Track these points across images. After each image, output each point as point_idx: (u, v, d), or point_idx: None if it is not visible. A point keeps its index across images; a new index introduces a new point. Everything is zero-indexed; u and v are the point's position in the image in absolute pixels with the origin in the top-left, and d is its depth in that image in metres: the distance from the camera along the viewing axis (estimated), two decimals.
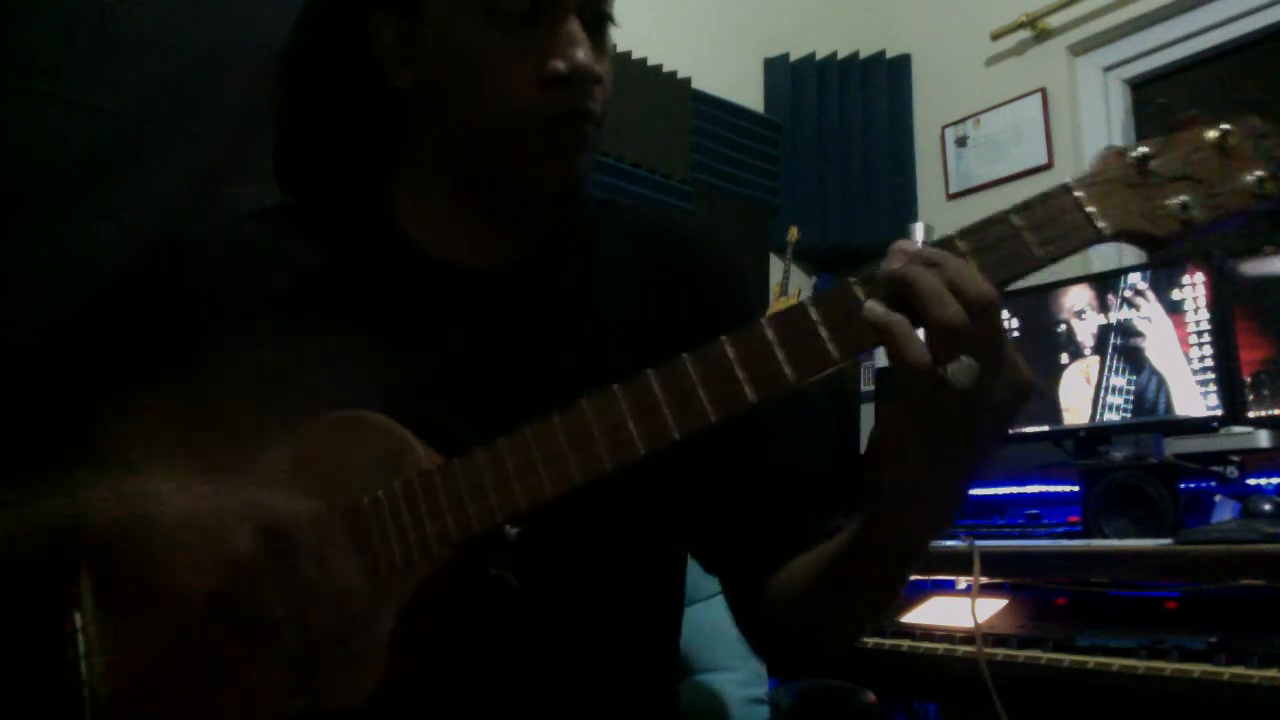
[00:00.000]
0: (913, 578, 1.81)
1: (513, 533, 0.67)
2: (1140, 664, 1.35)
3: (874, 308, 0.60)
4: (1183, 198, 0.59)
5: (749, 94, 2.96)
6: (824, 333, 0.61)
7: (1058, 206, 0.61)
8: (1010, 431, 0.62)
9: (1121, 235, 0.60)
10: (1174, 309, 1.86)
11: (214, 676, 0.67)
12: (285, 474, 0.70)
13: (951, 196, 2.80)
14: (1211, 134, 0.60)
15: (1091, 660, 1.40)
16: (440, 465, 0.67)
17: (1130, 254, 2.17)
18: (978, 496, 2.24)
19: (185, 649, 0.68)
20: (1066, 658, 1.42)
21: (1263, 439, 1.72)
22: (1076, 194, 0.60)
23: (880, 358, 1.57)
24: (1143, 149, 0.61)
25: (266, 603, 0.65)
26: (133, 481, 0.68)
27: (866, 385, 2.41)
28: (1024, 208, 0.61)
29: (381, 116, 0.82)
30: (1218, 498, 1.79)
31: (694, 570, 0.93)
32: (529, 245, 0.85)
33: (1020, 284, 0.64)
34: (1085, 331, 1.99)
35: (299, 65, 0.85)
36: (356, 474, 0.68)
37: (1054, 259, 0.60)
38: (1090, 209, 0.60)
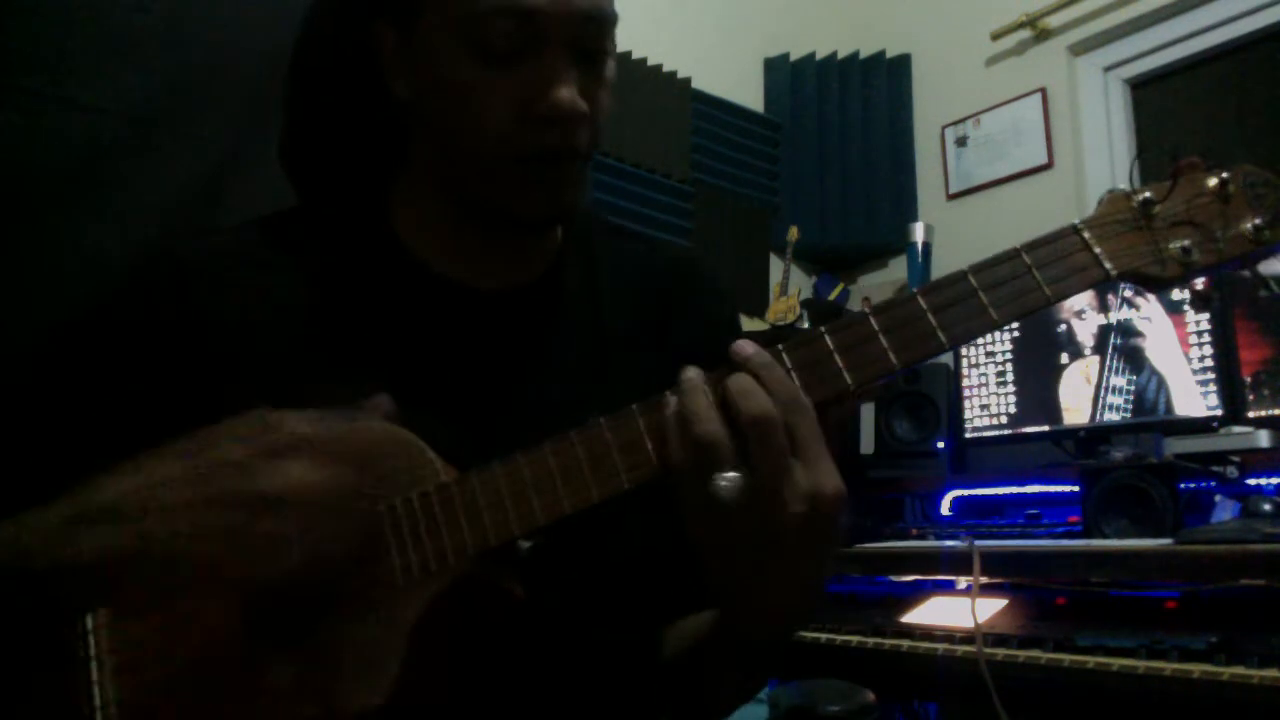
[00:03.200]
0: (910, 578, 1.82)
1: (525, 547, 0.67)
2: (1140, 664, 1.35)
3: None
4: (1184, 242, 0.62)
5: (749, 94, 2.97)
6: (840, 360, 0.64)
7: (1067, 246, 0.63)
8: (833, 541, 0.64)
9: (1127, 276, 0.62)
10: (1174, 309, 1.86)
11: (225, 681, 0.67)
12: (301, 481, 0.70)
13: (951, 196, 2.81)
14: (1211, 182, 0.63)
15: (1091, 660, 1.40)
16: (457, 478, 0.67)
17: None
18: (978, 497, 2.24)
19: (197, 652, 0.68)
20: (1066, 658, 1.42)
21: (1263, 439, 1.72)
22: (1085, 235, 0.62)
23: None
24: (1147, 194, 0.63)
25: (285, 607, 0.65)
26: (146, 482, 0.68)
27: None
28: (1034, 245, 0.63)
29: (384, 122, 0.82)
30: (1218, 498, 1.79)
31: None
32: (532, 266, 0.85)
33: None
34: (1085, 331, 1.99)
35: (306, 63, 0.85)
36: (374, 484, 0.68)
37: (1062, 297, 0.62)
38: (1098, 249, 0.62)
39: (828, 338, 0.63)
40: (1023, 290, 0.62)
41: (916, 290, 0.63)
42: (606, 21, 0.75)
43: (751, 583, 0.65)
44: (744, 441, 0.60)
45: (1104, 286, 1.94)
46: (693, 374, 0.63)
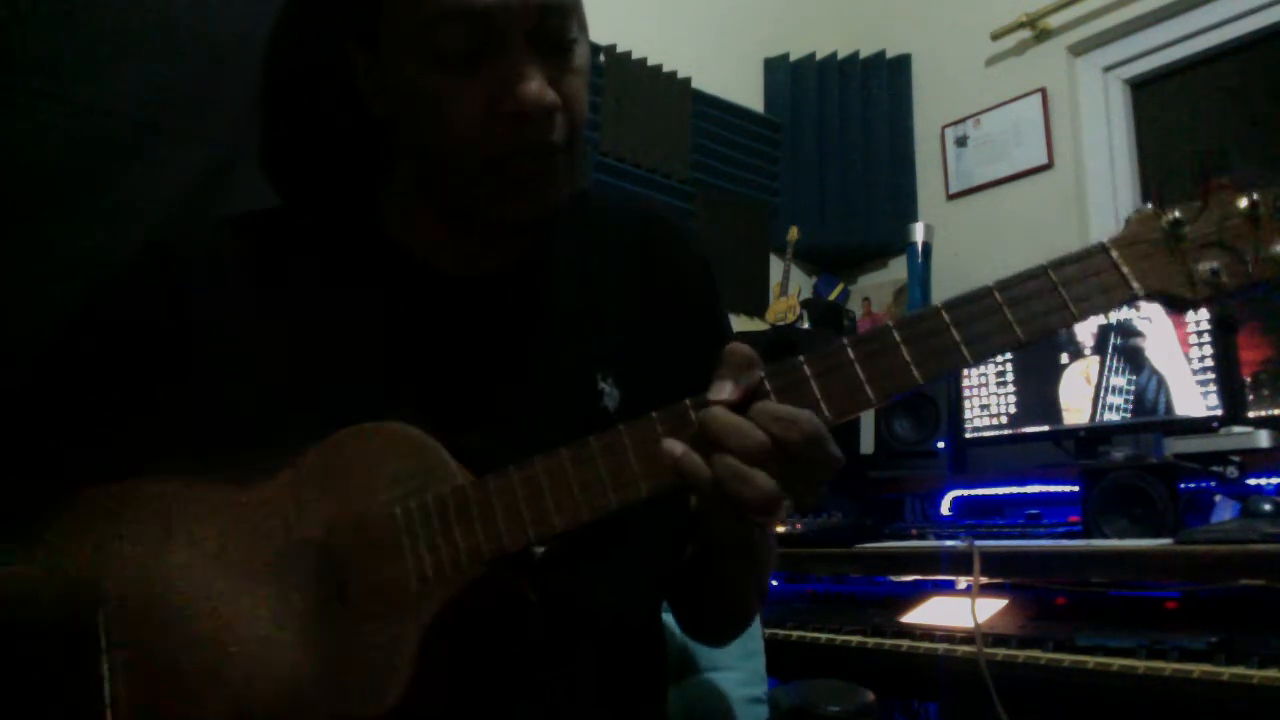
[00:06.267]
0: (910, 578, 1.82)
1: (539, 551, 0.67)
2: (1140, 664, 1.35)
3: (673, 446, 0.63)
4: (1214, 264, 0.61)
5: (749, 94, 2.97)
6: (861, 373, 0.64)
7: (1094, 265, 0.62)
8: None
9: (1155, 296, 0.62)
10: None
11: (239, 685, 0.67)
12: (315, 482, 0.70)
13: (951, 197, 2.80)
14: (1242, 203, 0.62)
15: (1091, 660, 1.40)
16: (473, 481, 0.67)
17: None
18: (978, 496, 2.24)
19: (210, 656, 0.68)
20: (1066, 658, 1.42)
21: (1263, 439, 1.72)
22: (1113, 254, 0.62)
23: None
24: (1176, 213, 0.62)
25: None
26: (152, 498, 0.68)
27: None
28: (1061, 263, 0.62)
29: (366, 138, 0.82)
30: (1218, 498, 1.79)
31: None
32: (519, 248, 0.85)
33: None
34: (1085, 331, 1.99)
35: (278, 85, 0.85)
36: (388, 485, 0.68)
37: (1088, 316, 0.61)
38: (1126, 269, 0.61)
39: (849, 350, 0.63)
40: (1048, 308, 0.61)
41: (940, 305, 0.62)
42: (565, 9, 0.73)
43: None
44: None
45: None
46: (718, 413, 0.63)
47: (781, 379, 0.63)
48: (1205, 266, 0.61)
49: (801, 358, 0.63)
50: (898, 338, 0.62)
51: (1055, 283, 0.61)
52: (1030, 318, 0.61)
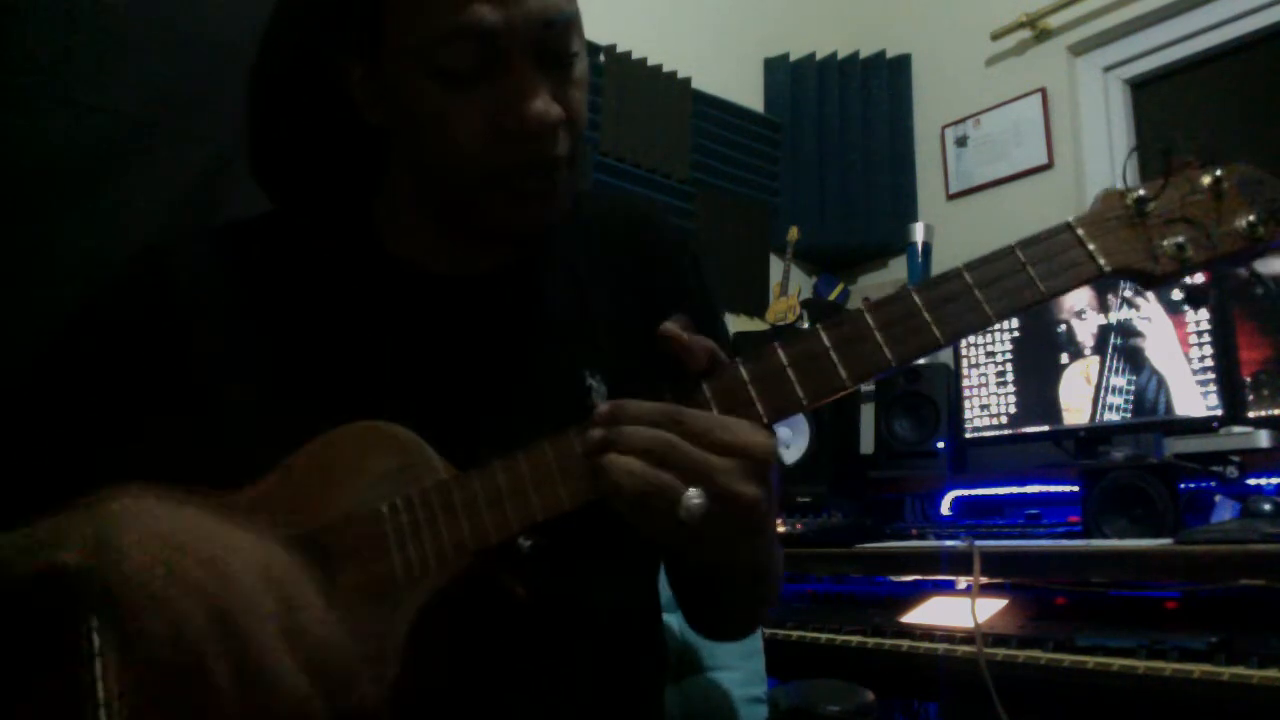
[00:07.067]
0: (910, 578, 1.82)
1: (525, 545, 0.67)
2: (1140, 664, 1.36)
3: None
4: (1179, 238, 0.63)
5: (749, 94, 2.97)
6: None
7: (1061, 243, 0.64)
8: (773, 482, 0.65)
9: (1121, 272, 0.63)
10: (1174, 309, 1.86)
11: (230, 682, 0.67)
12: (304, 481, 0.70)
13: (951, 197, 2.80)
14: (1206, 179, 0.64)
15: (1091, 660, 1.40)
16: (457, 476, 0.68)
17: None
18: (978, 496, 2.24)
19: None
20: (1066, 658, 1.42)
21: (1263, 439, 1.72)
22: (1079, 231, 0.63)
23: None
24: (1141, 191, 0.64)
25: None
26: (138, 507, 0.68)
27: (867, 386, 2.42)
28: (1028, 243, 0.64)
29: (359, 145, 0.82)
30: (1218, 498, 1.79)
31: None
32: (512, 251, 0.85)
33: None
34: (1085, 331, 1.99)
35: (268, 94, 0.84)
36: (373, 483, 0.68)
37: (1056, 293, 0.63)
38: (1091, 246, 0.63)
39: (823, 334, 0.64)
40: (1017, 287, 0.63)
41: (912, 287, 0.64)
42: (568, 24, 0.73)
43: (729, 546, 0.68)
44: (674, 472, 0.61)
45: (1104, 286, 1.95)
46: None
47: (756, 368, 0.64)
48: (1170, 241, 0.63)
49: (776, 343, 0.65)
50: (871, 322, 0.64)
51: (1023, 262, 0.63)
52: (999, 296, 0.63)
